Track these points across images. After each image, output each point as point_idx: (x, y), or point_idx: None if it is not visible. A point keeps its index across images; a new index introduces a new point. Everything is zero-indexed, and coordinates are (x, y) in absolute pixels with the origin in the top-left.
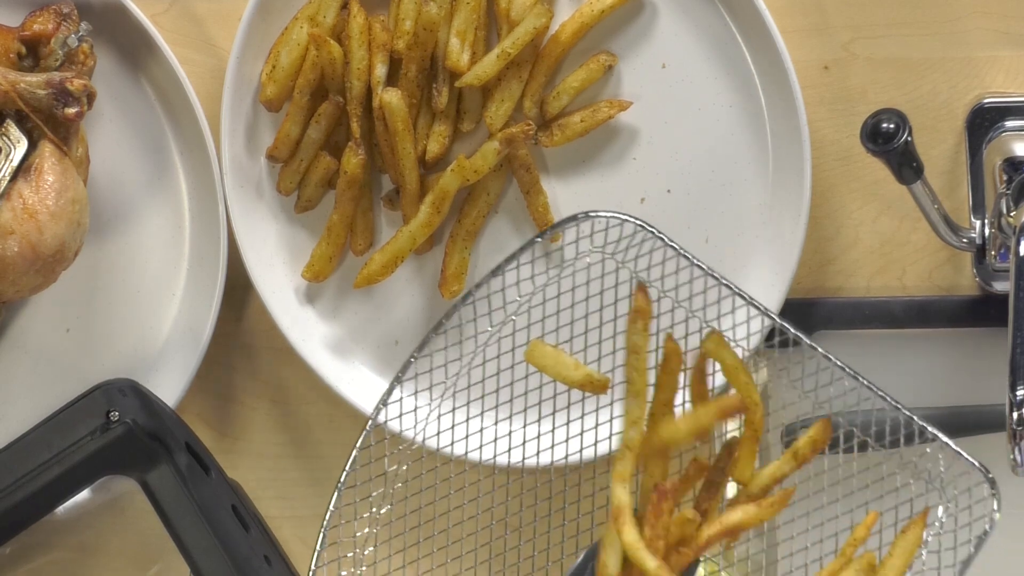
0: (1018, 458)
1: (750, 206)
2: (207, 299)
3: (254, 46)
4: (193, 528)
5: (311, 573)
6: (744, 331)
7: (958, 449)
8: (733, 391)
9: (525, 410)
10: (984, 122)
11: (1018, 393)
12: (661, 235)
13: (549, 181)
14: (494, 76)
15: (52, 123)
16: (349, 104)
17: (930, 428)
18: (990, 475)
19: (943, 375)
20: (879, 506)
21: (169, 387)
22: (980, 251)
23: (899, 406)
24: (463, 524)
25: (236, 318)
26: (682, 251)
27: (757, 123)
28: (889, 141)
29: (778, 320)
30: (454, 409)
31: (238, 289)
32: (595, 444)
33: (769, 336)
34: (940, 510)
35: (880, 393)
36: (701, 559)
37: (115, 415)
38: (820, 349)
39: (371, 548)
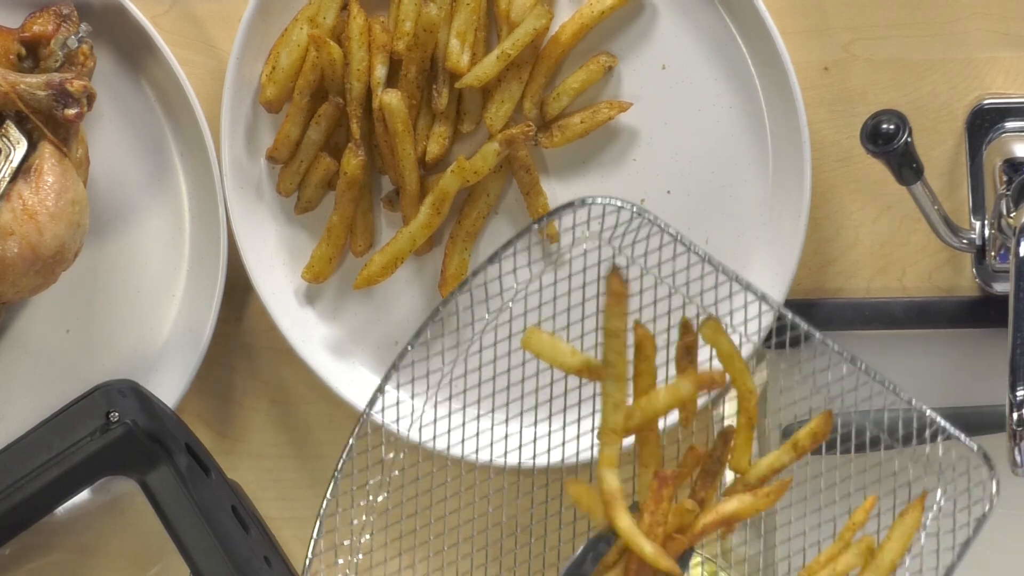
0: (1018, 458)
1: (750, 207)
2: (207, 299)
3: (254, 47)
4: (193, 529)
5: (307, 562)
6: (742, 316)
7: (956, 432)
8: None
9: (522, 397)
10: (984, 123)
11: (1018, 393)
12: (658, 221)
13: (549, 182)
14: (494, 77)
15: (52, 124)
16: (349, 105)
17: (928, 411)
18: (988, 457)
19: (943, 375)
20: (877, 490)
21: (169, 388)
22: (980, 252)
23: (897, 391)
24: (460, 511)
25: (236, 318)
26: (679, 237)
27: (757, 124)
28: (889, 142)
29: (775, 304)
30: (451, 396)
31: (238, 290)
32: (591, 447)
33: (768, 337)
34: (939, 493)
35: (878, 379)
36: (697, 550)
37: (115, 416)
38: (818, 334)
39: (367, 536)
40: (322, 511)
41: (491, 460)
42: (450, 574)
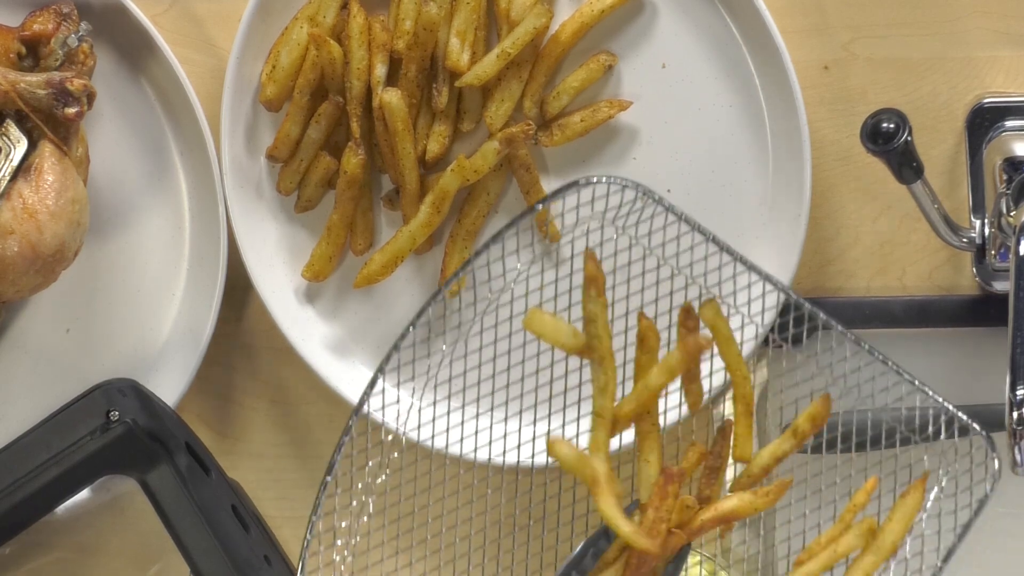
0: (1018, 458)
1: (750, 206)
2: (207, 299)
3: (254, 46)
4: (193, 528)
5: (306, 544)
6: (745, 296)
7: (958, 412)
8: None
9: (521, 396)
10: (984, 122)
11: (1018, 393)
12: (662, 201)
13: (549, 181)
14: (494, 76)
15: (52, 123)
16: (349, 104)
17: (930, 392)
18: (990, 437)
19: (943, 375)
20: (878, 471)
21: (169, 387)
22: (980, 251)
23: (900, 370)
24: (459, 510)
25: (236, 318)
26: (683, 216)
27: (757, 123)
28: (889, 141)
29: (779, 284)
30: (449, 395)
31: (238, 289)
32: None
33: (775, 329)
34: (940, 474)
35: (880, 357)
36: (696, 548)
37: (115, 415)
38: (822, 315)
39: (365, 518)
40: (321, 497)
41: (489, 459)
42: (447, 574)
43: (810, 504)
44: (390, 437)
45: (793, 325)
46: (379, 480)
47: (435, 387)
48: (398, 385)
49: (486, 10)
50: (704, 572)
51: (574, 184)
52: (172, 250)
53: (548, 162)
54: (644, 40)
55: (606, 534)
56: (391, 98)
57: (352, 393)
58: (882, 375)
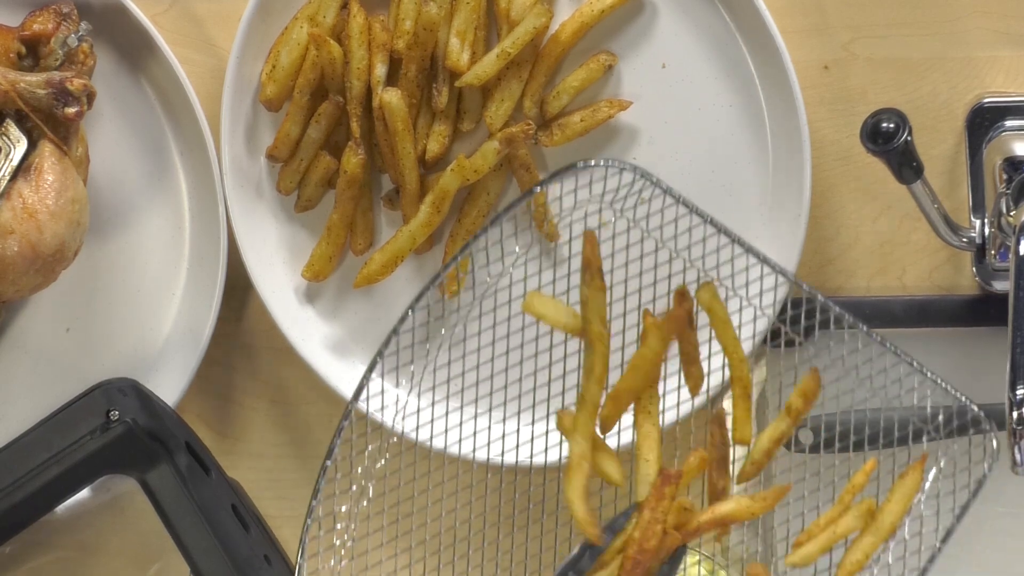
0: (1018, 457)
1: (750, 206)
2: (207, 299)
3: (254, 46)
4: (193, 528)
5: (306, 528)
6: (743, 279)
7: (956, 393)
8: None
9: (519, 396)
10: (984, 122)
11: (1018, 392)
12: (659, 182)
13: None
14: (494, 76)
15: (52, 123)
16: (349, 104)
17: (929, 373)
18: (988, 417)
19: (943, 374)
20: (874, 487)
21: (169, 387)
22: (980, 250)
23: (898, 352)
24: (457, 511)
25: (236, 318)
26: (681, 198)
27: (757, 123)
28: (889, 141)
29: (775, 265)
30: (449, 362)
31: (238, 289)
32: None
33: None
34: (939, 454)
35: (884, 343)
36: (694, 547)
37: (115, 414)
38: (820, 297)
39: (365, 502)
40: (319, 486)
41: (488, 458)
42: (446, 574)
43: (809, 504)
44: (389, 422)
45: (805, 318)
46: (379, 464)
47: (434, 371)
48: (398, 384)
49: (486, 10)
50: (703, 571)
51: (572, 167)
52: (172, 250)
53: (548, 162)
54: (644, 40)
55: (604, 535)
56: (391, 98)
57: (352, 393)
58: (880, 356)
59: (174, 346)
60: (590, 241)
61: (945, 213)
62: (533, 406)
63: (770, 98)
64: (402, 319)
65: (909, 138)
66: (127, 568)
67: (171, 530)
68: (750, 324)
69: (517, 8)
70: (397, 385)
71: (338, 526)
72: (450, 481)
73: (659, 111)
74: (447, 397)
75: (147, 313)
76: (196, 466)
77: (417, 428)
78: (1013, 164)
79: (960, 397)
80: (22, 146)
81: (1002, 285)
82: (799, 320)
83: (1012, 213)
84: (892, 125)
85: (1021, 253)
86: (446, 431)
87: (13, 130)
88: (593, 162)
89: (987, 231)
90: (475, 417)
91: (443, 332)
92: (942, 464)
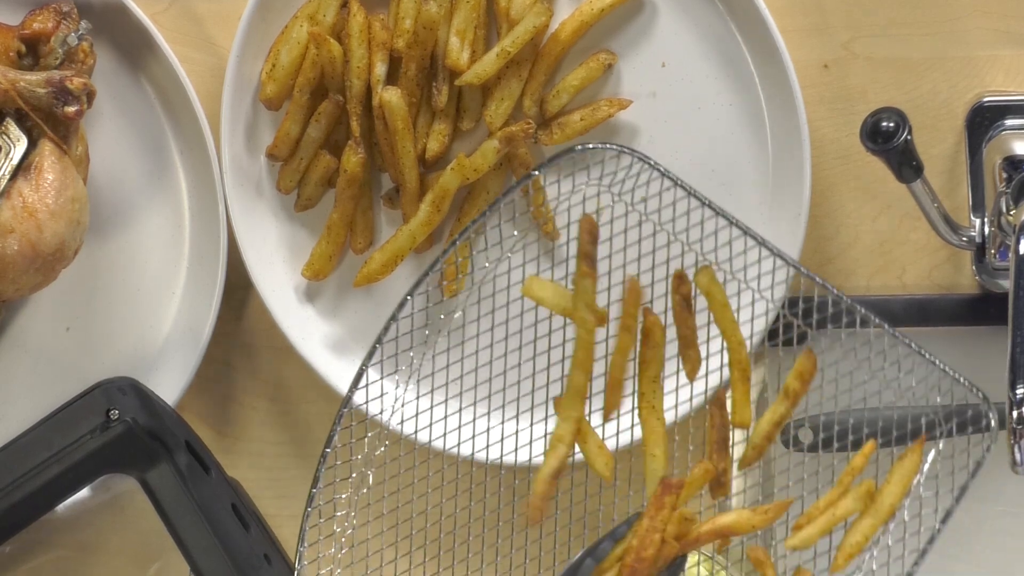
0: (1018, 456)
1: (750, 205)
2: (207, 298)
3: (254, 45)
4: (193, 527)
5: (306, 516)
6: (741, 263)
7: (955, 375)
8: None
9: (518, 397)
10: (984, 121)
11: (1018, 392)
12: (657, 165)
13: None
14: (494, 75)
15: (52, 122)
16: (349, 103)
17: (927, 354)
18: (987, 398)
19: (943, 374)
20: (875, 467)
21: (169, 386)
22: (980, 250)
23: (896, 334)
24: (457, 514)
25: (236, 317)
26: (679, 181)
27: (757, 122)
28: (889, 140)
29: (773, 248)
30: (448, 349)
31: (238, 288)
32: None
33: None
34: (937, 435)
35: (876, 321)
36: (693, 554)
37: (115, 414)
38: (818, 279)
39: (365, 489)
40: (320, 474)
41: (487, 458)
42: (446, 563)
43: (808, 504)
44: (388, 414)
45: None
46: (378, 451)
47: (433, 357)
48: (397, 384)
49: (486, 9)
50: (703, 571)
51: (571, 150)
52: (172, 249)
53: None
54: (644, 39)
55: (605, 540)
56: (391, 97)
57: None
58: (877, 338)
59: (174, 345)
60: (586, 229)
61: (945, 212)
62: (532, 392)
63: (770, 97)
64: (400, 305)
65: (909, 137)
66: (127, 567)
67: (171, 529)
68: (748, 307)
69: (517, 7)
70: (396, 371)
71: (338, 514)
72: (450, 470)
73: (659, 110)
74: (446, 384)
75: (147, 312)
76: (196, 465)
77: (416, 416)
78: (1013, 163)
79: (958, 378)
80: (22, 145)
81: (1002, 284)
82: (808, 313)
83: (1012, 212)
84: (892, 124)
85: (1021, 252)
86: (445, 418)
87: (13, 129)
88: (592, 145)
89: (987, 230)
90: (474, 404)
91: (442, 318)
92: (941, 446)
